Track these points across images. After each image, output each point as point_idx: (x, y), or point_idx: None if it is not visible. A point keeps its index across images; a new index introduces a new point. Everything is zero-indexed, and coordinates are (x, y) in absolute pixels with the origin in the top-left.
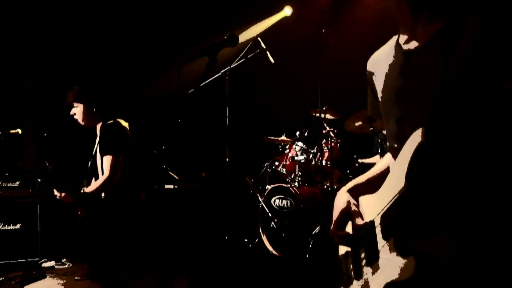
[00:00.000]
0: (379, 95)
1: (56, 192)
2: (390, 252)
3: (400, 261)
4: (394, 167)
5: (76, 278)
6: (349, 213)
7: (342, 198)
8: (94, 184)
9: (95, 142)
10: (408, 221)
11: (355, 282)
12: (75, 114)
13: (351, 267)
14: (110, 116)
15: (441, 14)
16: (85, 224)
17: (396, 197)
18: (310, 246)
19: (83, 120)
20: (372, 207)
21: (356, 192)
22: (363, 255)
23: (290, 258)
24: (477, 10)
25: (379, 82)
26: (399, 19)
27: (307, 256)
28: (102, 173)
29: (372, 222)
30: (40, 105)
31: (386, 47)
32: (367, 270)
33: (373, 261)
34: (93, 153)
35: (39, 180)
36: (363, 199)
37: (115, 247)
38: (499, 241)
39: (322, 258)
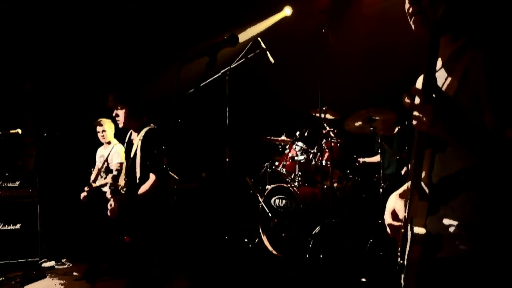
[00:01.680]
0: None
1: (111, 203)
2: (409, 231)
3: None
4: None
5: (75, 273)
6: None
7: (390, 200)
8: (143, 188)
9: (127, 142)
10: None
11: (401, 260)
12: (117, 115)
13: (401, 248)
14: (147, 119)
15: (458, 37)
16: (118, 224)
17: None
18: (310, 246)
19: (124, 122)
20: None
21: (405, 195)
22: (404, 239)
23: (290, 258)
24: (479, 43)
25: None
26: None
27: (307, 256)
28: (140, 176)
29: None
30: (40, 105)
31: None
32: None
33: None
34: (132, 155)
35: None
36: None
37: (151, 247)
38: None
39: (322, 258)
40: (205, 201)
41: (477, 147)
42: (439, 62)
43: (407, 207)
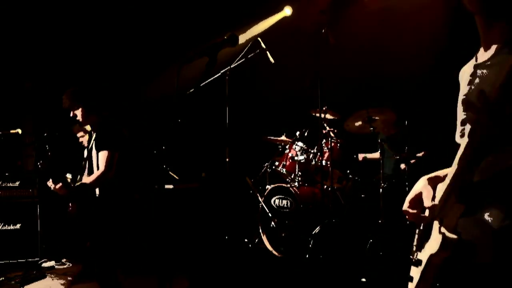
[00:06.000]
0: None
1: (50, 184)
2: (435, 231)
3: (436, 238)
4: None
5: (69, 278)
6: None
7: (419, 183)
8: (89, 178)
9: (91, 139)
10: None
11: (418, 253)
12: (76, 115)
13: (418, 241)
14: (107, 115)
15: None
16: (77, 220)
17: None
18: (310, 246)
19: (83, 121)
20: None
21: (434, 181)
22: (426, 232)
23: (290, 258)
24: None
25: (460, 90)
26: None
27: (307, 256)
28: (98, 169)
29: (434, 205)
30: (40, 105)
31: (472, 60)
32: (426, 244)
33: (428, 238)
34: (89, 148)
35: (39, 165)
36: (438, 186)
37: (107, 245)
38: None
39: (322, 258)
40: (205, 201)
41: None
42: (493, 49)
43: (439, 203)
